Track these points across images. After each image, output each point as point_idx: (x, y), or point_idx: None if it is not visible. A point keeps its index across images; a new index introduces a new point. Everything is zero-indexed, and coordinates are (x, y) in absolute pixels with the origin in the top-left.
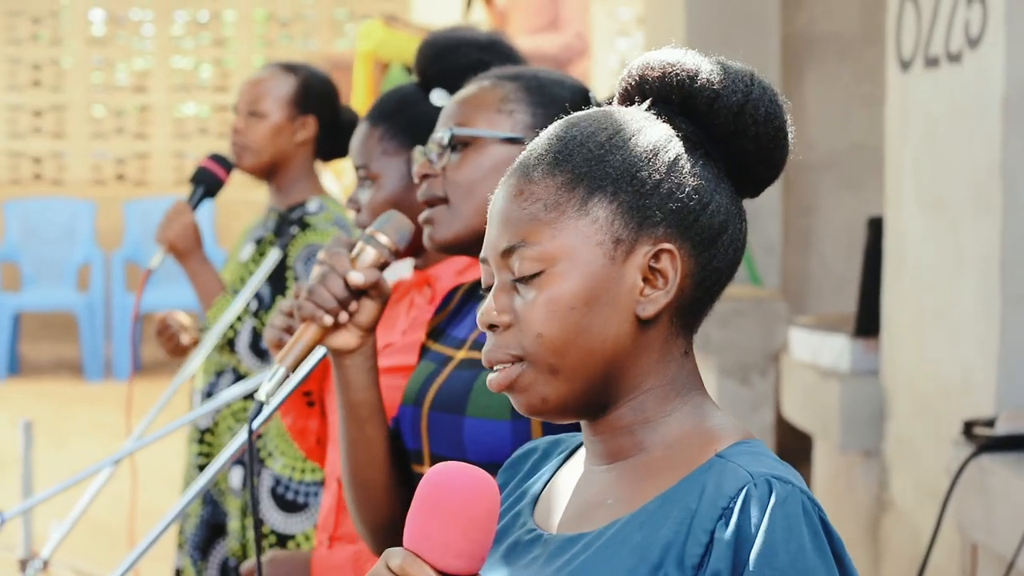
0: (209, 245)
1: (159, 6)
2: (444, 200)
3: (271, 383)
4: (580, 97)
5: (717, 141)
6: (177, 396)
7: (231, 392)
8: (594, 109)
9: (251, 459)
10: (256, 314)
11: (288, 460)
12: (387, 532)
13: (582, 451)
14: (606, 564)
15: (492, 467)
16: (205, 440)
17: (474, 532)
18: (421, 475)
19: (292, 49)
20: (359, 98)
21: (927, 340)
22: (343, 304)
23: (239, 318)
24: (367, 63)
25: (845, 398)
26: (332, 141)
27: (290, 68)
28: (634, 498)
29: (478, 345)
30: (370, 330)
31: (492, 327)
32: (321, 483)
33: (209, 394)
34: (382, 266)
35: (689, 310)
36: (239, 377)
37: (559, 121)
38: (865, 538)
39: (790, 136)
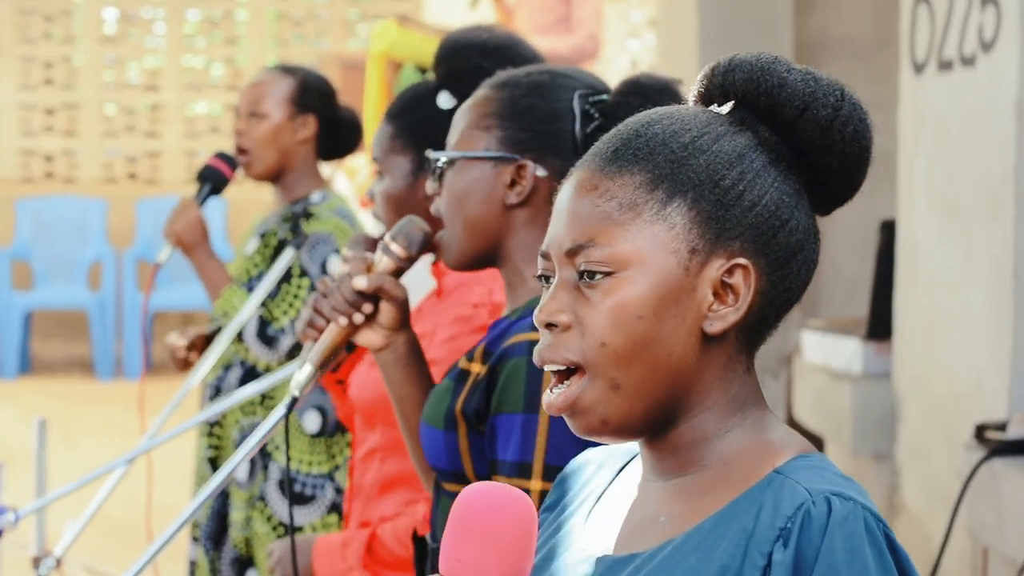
0: (221, 243)
1: (171, 5)
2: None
3: (302, 377)
4: (564, 101)
5: (800, 154)
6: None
7: (246, 391)
8: (675, 107)
9: (287, 445)
10: (263, 304)
11: (295, 453)
12: None
13: (638, 461)
14: None
15: (441, 473)
16: (214, 433)
17: (507, 555)
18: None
19: (304, 49)
20: (372, 98)
21: (939, 343)
22: (354, 306)
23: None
24: (380, 63)
25: (857, 401)
26: (332, 140)
27: (288, 69)
28: (689, 516)
29: (469, 353)
30: (394, 329)
31: (550, 325)
32: (328, 475)
33: (218, 388)
34: (397, 272)
35: (755, 328)
36: (246, 368)
37: (638, 115)
38: None
39: (872, 154)
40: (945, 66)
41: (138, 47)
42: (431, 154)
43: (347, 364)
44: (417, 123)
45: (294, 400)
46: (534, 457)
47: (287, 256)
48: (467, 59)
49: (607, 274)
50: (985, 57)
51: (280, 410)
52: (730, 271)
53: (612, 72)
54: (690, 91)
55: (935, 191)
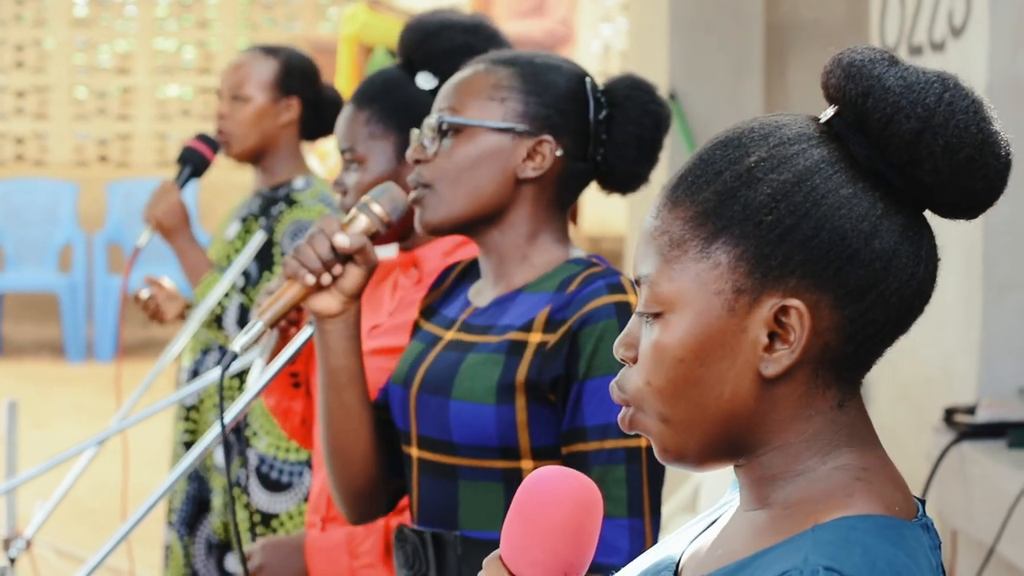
0: (194, 227)
1: None
2: (429, 186)
3: (247, 335)
4: (577, 83)
5: (895, 167)
6: (160, 376)
7: (217, 372)
8: (771, 117)
9: (220, 412)
10: (244, 290)
11: (272, 440)
12: (362, 500)
13: None
14: None
15: (478, 450)
16: (191, 418)
17: (552, 544)
18: (409, 455)
19: (275, 32)
20: (343, 81)
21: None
22: (327, 265)
23: (227, 295)
24: (351, 46)
25: None
26: (316, 120)
27: (271, 51)
28: (733, 555)
29: (467, 326)
30: (354, 297)
31: (622, 359)
32: (306, 463)
33: (195, 372)
34: (373, 235)
35: (842, 363)
36: (225, 353)
37: (722, 132)
38: None
39: (999, 157)
40: (915, 51)
41: (109, 30)
42: (442, 116)
43: (303, 359)
44: (397, 106)
45: (234, 356)
46: None
47: (257, 238)
48: (451, 39)
49: (657, 313)
50: (955, 42)
51: (216, 370)
52: (784, 310)
53: (585, 57)
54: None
55: None
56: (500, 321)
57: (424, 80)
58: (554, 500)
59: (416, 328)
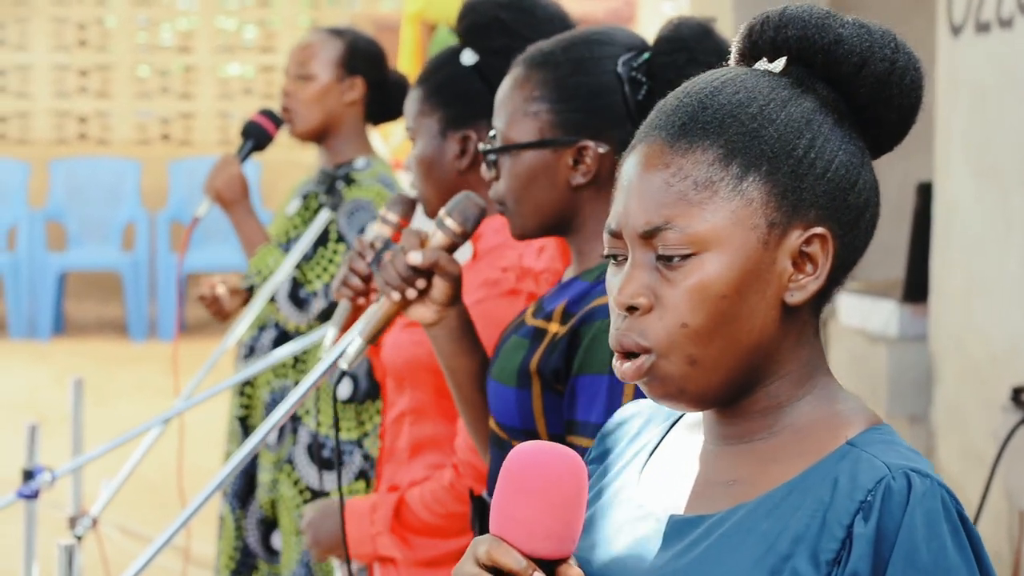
0: (255, 205)
1: None
2: (503, 204)
3: (352, 353)
4: (611, 71)
5: (859, 110)
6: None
7: (282, 351)
8: (733, 71)
9: (336, 431)
10: (298, 266)
11: (324, 418)
12: None
13: (689, 419)
14: (732, 551)
15: (509, 429)
16: (245, 393)
17: (560, 511)
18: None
19: (337, 10)
20: (406, 60)
21: (975, 306)
22: (407, 281)
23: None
24: (414, 24)
25: (893, 363)
26: (381, 103)
27: (337, 32)
28: (760, 483)
29: (537, 309)
30: (446, 305)
31: (631, 308)
32: (356, 442)
33: (252, 348)
34: (451, 248)
35: (825, 293)
36: (280, 330)
37: (697, 81)
38: None
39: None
40: (983, 28)
41: (171, 9)
42: (483, 147)
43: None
44: (442, 83)
45: (343, 374)
46: None
47: (323, 217)
48: (484, 13)
49: (687, 255)
50: (1023, 19)
51: (325, 377)
52: (808, 240)
53: (648, 36)
54: (732, 47)
55: (972, 154)
56: (549, 306)
57: (467, 56)
58: (552, 471)
59: None
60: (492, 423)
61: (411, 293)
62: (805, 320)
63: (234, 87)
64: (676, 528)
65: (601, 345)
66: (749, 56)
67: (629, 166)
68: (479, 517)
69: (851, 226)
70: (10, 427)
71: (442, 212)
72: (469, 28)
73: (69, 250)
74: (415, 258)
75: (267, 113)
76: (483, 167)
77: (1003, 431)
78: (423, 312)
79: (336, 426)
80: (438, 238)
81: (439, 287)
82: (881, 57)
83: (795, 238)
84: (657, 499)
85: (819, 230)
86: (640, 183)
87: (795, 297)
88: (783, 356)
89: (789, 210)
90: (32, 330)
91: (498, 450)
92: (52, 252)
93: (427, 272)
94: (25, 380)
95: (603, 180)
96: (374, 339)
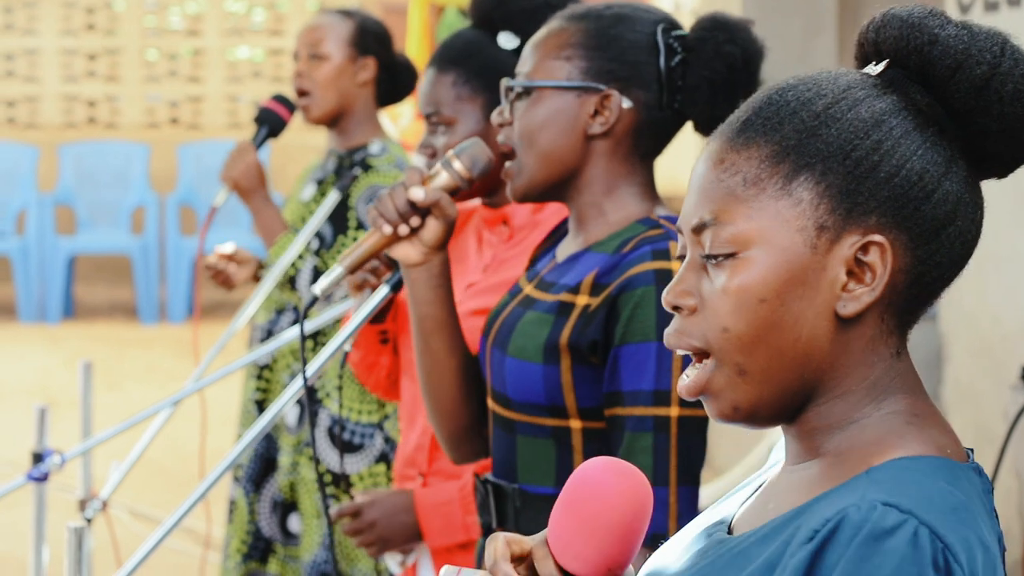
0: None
1: None
2: (512, 151)
3: (328, 279)
4: (649, 32)
5: (955, 116)
6: (233, 337)
7: (293, 331)
8: (820, 72)
9: (302, 349)
10: (318, 253)
11: (346, 401)
12: (458, 442)
13: None
14: (718, 572)
15: (529, 407)
16: (263, 376)
17: (598, 539)
18: (491, 410)
19: None
20: (414, 42)
21: (986, 285)
22: (403, 216)
23: (300, 256)
24: (422, 7)
25: None
26: (389, 85)
27: (345, 12)
28: (785, 507)
29: (541, 282)
30: (435, 248)
31: (677, 308)
32: (377, 425)
33: (269, 332)
34: (455, 191)
35: (904, 308)
36: (299, 314)
37: (778, 81)
38: None
39: None
40: (991, 7)
41: None
42: (508, 81)
43: (391, 317)
44: (483, 68)
45: (314, 299)
46: (671, 384)
47: (331, 199)
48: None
49: (730, 255)
50: None
51: (292, 330)
52: (864, 248)
53: None
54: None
55: None
56: (562, 279)
57: (506, 40)
58: (606, 500)
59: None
60: (494, 403)
61: (403, 229)
62: (873, 336)
63: (243, 70)
64: (708, 544)
65: (644, 312)
66: (861, 59)
67: (696, 163)
68: (495, 501)
69: (928, 238)
70: (20, 410)
71: (450, 153)
72: (513, 12)
73: (79, 234)
74: (416, 194)
75: (280, 99)
76: (494, 113)
77: (1013, 409)
78: (409, 251)
79: (303, 361)
80: (442, 178)
81: (432, 228)
82: (979, 60)
83: (849, 245)
84: (725, 518)
85: (877, 238)
86: (697, 178)
87: (847, 308)
88: (843, 373)
89: (843, 214)
90: (42, 314)
91: (503, 431)
92: (61, 236)
93: (423, 211)
94: (35, 364)
95: (619, 136)
96: (354, 270)
